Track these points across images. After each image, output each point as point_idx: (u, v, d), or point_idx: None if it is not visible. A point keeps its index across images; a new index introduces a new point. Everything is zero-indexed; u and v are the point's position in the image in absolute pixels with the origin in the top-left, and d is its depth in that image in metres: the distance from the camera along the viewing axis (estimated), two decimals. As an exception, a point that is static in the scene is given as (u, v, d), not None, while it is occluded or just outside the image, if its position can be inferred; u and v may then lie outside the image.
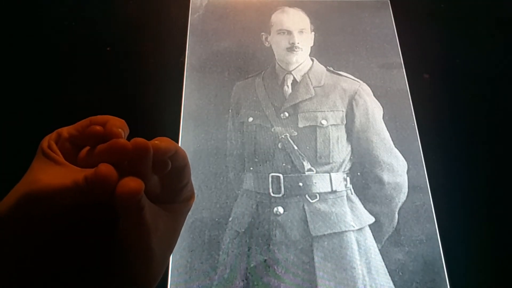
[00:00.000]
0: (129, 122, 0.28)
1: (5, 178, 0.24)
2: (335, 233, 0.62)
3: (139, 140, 0.24)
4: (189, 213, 0.32)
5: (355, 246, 0.61)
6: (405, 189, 0.66)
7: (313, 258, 0.60)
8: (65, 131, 0.27)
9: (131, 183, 0.23)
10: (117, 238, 0.26)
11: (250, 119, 0.70)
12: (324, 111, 0.71)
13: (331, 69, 0.75)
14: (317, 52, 0.77)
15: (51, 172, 0.24)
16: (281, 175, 0.65)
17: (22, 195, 0.23)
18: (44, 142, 0.26)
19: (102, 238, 0.26)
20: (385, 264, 0.60)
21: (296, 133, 0.69)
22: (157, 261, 0.27)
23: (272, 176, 0.65)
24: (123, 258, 0.26)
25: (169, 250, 0.30)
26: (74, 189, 0.23)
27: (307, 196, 0.64)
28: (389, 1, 0.84)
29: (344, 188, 0.65)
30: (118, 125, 0.26)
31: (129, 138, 0.26)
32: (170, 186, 0.29)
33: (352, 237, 0.61)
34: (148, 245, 0.26)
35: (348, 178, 0.66)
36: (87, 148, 0.26)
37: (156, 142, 0.25)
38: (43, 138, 0.27)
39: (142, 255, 0.26)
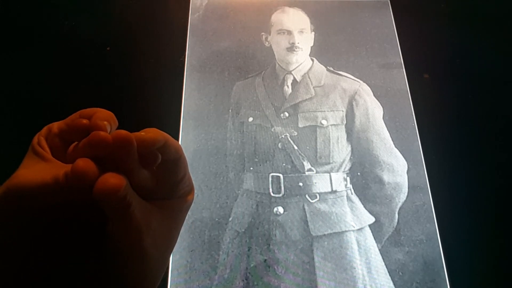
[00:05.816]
0: (129, 122, 0.27)
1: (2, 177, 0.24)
2: (335, 233, 0.62)
3: (121, 132, 0.22)
4: (189, 213, 0.30)
5: (355, 246, 0.61)
6: (405, 189, 0.66)
7: (313, 258, 0.60)
8: (55, 126, 0.26)
9: (111, 179, 0.21)
10: (107, 240, 0.24)
11: (250, 119, 0.70)
12: (324, 111, 0.70)
13: (331, 69, 0.75)
14: (317, 52, 0.77)
15: (36, 169, 0.23)
16: (281, 175, 0.65)
17: (3, 191, 0.22)
18: (35, 138, 0.26)
19: (93, 239, 0.25)
20: (385, 264, 0.60)
21: (296, 133, 0.69)
22: (154, 263, 0.26)
23: (272, 176, 0.65)
24: (115, 261, 0.24)
25: (167, 250, 0.28)
26: (54, 185, 0.22)
27: (307, 196, 0.64)
28: (389, 1, 0.84)
29: (344, 188, 0.65)
30: (104, 118, 0.25)
31: None
32: (165, 180, 0.27)
33: (352, 237, 0.61)
34: (141, 246, 0.24)
35: (348, 178, 0.66)
36: (75, 143, 0.24)
37: (141, 133, 0.24)
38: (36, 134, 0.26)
39: (135, 257, 0.24)
